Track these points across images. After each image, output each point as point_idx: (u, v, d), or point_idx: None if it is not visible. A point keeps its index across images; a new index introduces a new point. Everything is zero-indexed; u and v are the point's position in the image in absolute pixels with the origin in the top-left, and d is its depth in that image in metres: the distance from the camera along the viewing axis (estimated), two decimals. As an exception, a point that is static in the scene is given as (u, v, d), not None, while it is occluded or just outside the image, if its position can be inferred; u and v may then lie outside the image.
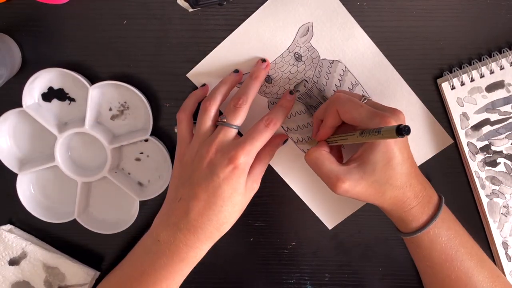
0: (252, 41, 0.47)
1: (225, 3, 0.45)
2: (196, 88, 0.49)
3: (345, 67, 0.48)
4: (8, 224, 0.53)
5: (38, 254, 0.52)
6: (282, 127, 0.50)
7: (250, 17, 0.46)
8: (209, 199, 0.41)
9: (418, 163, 0.49)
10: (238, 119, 0.43)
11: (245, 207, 0.44)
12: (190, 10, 0.46)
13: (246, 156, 0.42)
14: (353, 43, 0.47)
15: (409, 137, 0.48)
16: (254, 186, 0.44)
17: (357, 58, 0.47)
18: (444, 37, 0.47)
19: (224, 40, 0.47)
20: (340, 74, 0.48)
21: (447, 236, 0.43)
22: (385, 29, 0.46)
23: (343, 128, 0.45)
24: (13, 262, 0.53)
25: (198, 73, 0.48)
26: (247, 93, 0.44)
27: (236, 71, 0.47)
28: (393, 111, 0.40)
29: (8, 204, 0.53)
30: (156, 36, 0.47)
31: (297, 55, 0.48)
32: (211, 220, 0.42)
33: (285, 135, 0.50)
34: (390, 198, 0.41)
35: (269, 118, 0.44)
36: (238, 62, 0.48)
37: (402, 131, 0.34)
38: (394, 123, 0.39)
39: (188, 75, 0.48)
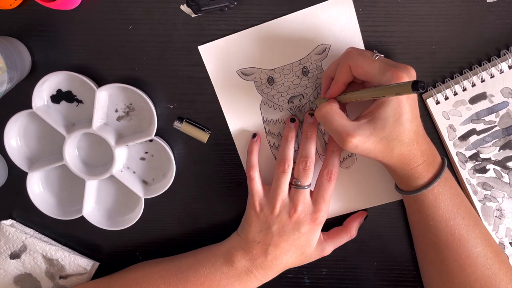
0: (272, 40, 0.48)
1: (226, 9, 0.47)
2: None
3: None
4: (10, 219, 0.55)
5: (38, 247, 0.54)
6: (265, 128, 0.51)
7: (281, 17, 0.47)
8: (286, 247, 0.47)
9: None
10: (309, 179, 0.47)
11: (308, 261, 0.50)
12: (193, 15, 0.47)
13: (324, 213, 0.48)
14: None
15: None
16: (326, 250, 0.50)
17: None
18: (436, 42, 0.48)
19: (249, 29, 0.48)
20: None
21: (450, 194, 0.44)
22: (379, 34, 0.48)
23: (351, 88, 0.45)
24: (14, 255, 0.54)
25: (210, 49, 0.49)
26: (309, 154, 0.47)
27: (254, 135, 0.50)
28: (405, 67, 0.41)
29: (15, 201, 0.54)
30: (160, 41, 0.49)
31: (305, 69, 0.49)
32: (282, 263, 0.48)
33: (365, 212, 0.52)
34: (398, 154, 0.42)
35: (328, 170, 0.47)
36: (250, 54, 0.49)
37: (418, 86, 0.33)
38: (406, 78, 0.39)
39: (200, 47, 0.48)
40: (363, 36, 0.48)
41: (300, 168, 0.47)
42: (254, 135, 0.50)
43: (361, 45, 0.48)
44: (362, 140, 0.41)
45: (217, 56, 0.49)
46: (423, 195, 0.44)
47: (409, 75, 0.40)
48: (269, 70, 0.49)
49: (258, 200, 0.48)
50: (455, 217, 0.44)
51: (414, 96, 0.42)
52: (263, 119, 0.51)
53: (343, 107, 0.47)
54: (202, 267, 0.49)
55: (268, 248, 0.47)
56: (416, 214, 0.47)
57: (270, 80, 0.49)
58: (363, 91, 0.42)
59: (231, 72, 0.49)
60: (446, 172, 0.45)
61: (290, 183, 0.48)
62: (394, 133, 0.41)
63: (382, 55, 0.43)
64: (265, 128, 0.51)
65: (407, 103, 0.41)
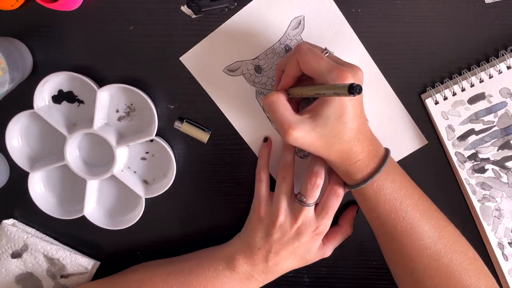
0: (246, 30, 0.48)
1: (226, 9, 0.47)
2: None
3: None
4: (11, 219, 0.55)
5: (39, 246, 0.54)
6: (268, 117, 0.51)
7: (245, 6, 0.47)
8: (286, 255, 0.48)
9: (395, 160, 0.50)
10: (315, 198, 0.47)
11: (307, 264, 0.50)
12: (193, 16, 0.48)
13: (326, 226, 0.48)
14: (341, 39, 0.48)
15: (389, 134, 0.49)
16: (327, 252, 0.51)
17: (344, 54, 0.48)
18: (435, 42, 0.48)
19: (219, 27, 0.48)
20: None
21: (391, 188, 0.44)
22: (379, 34, 0.48)
23: (305, 83, 0.45)
24: (16, 255, 0.54)
25: (191, 57, 0.49)
26: (320, 170, 0.47)
27: (266, 139, 0.51)
28: (352, 67, 0.41)
29: (17, 201, 0.54)
30: (161, 41, 0.49)
31: (287, 48, 0.49)
32: (282, 269, 0.49)
33: (355, 205, 0.53)
34: (337, 151, 0.42)
35: (336, 186, 0.47)
36: (230, 50, 0.49)
37: (354, 90, 0.34)
38: (351, 78, 0.39)
39: (181, 58, 0.49)
40: (361, 37, 0.48)
41: (308, 185, 0.46)
42: (266, 139, 0.51)
43: (332, 4, 0.47)
44: (302, 134, 0.41)
45: (200, 62, 0.49)
46: (363, 189, 0.44)
47: (355, 76, 0.40)
48: (253, 59, 0.49)
49: (263, 206, 0.49)
50: (397, 211, 0.44)
51: (358, 96, 0.42)
52: (263, 109, 0.51)
53: (297, 102, 0.48)
54: (204, 271, 0.49)
55: (269, 255, 0.48)
56: (362, 206, 0.47)
57: (257, 69, 0.49)
58: (307, 88, 0.42)
59: (218, 73, 0.49)
60: (389, 166, 0.44)
61: (296, 196, 0.48)
62: (334, 131, 0.41)
63: (332, 52, 0.43)
64: (268, 117, 0.51)
65: (350, 103, 0.41)
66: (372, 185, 0.44)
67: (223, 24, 0.48)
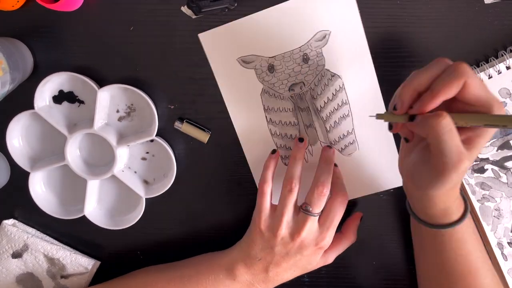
0: (272, 27, 0.48)
1: (226, 10, 0.47)
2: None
3: (343, 84, 0.49)
4: (12, 219, 0.55)
5: (39, 246, 0.54)
6: (266, 116, 0.51)
7: (281, 4, 0.47)
8: (287, 267, 0.48)
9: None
10: (321, 207, 0.47)
11: (309, 271, 0.50)
12: (194, 17, 0.48)
13: (329, 239, 0.48)
14: (358, 65, 0.48)
15: (389, 144, 0.50)
16: (329, 259, 0.51)
17: (356, 80, 0.48)
18: (434, 43, 0.48)
19: (248, 16, 0.47)
20: (336, 89, 0.49)
21: (472, 227, 0.45)
22: (379, 35, 0.48)
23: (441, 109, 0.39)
24: (16, 255, 0.54)
25: (210, 37, 0.48)
26: (326, 180, 0.47)
27: (274, 151, 0.50)
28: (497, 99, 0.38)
29: (18, 201, 0.54)
30: (161, 42, 0.49)
31: (305, 57, 0.49)
32: (282, 279, 0.49)
33: (359, 213, 0.53)
34: (456, 183, 0.39)
35: (343, 193, 0.48)
36: (250, 42, 0.48)
37: None
38: (502, 112, 0.37)
39: (200, 35, 0.48)
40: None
41: (315, 194, 0.46)
42: (274, 151, 0.50)
43: (361, 30, 0.48)
44: (467, 166, 0.37)
45: (217, 43, 0.49)
46: (454, 229, 0.43)
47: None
48: (269, 57, 0.49)
49: (264, 218, 0.48)
50: (476, 251, 0.45)
51: None
52: (264, 108, 0.51)
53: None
54: (205, 278, 0.49)
55: (269, 266, 0.48)
56: (436, 247, 0.45)
57: (271, 68, 0.49)
58: (473, 116, 0.38)
59: (231, 60, 0.49)
60: None
61: (301, 207, 0.47)
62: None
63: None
64: (266, 116, 0.51)
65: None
66: (465, 223, 0.43)
67: (254, 14, 0.47)
